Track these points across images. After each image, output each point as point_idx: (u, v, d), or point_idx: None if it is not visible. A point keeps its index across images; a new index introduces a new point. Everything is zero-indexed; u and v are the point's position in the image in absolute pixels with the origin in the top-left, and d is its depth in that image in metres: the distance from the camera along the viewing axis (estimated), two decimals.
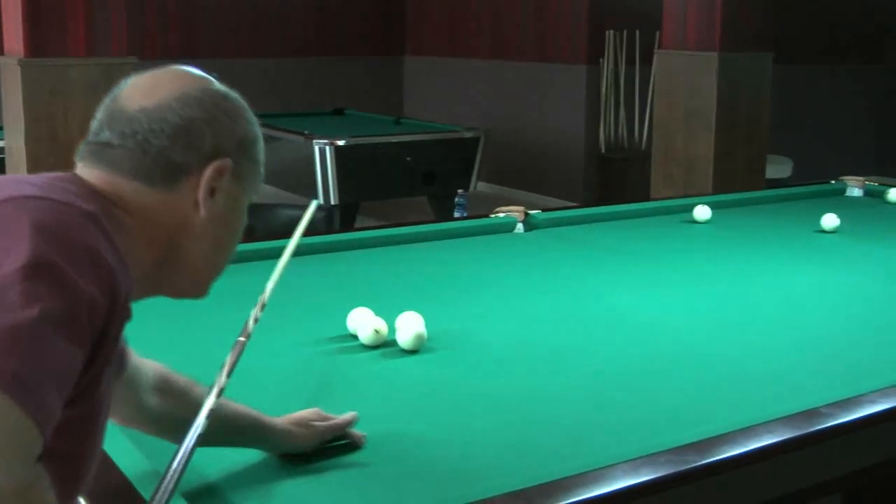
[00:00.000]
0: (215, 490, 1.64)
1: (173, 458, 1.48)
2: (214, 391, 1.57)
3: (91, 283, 1.19)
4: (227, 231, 1.50)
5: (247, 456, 1.77)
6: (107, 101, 1.42)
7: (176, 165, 1.38)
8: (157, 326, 2.43)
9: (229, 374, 1.61)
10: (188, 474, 1.52)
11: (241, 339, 1.67)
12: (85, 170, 1.38)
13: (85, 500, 1.43)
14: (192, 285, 1.52)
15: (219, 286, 2.87)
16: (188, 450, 1.49)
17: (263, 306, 1.64)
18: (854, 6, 10.21)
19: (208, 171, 1.41)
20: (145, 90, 1.42)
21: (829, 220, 3.70)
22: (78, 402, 1.22)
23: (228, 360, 1.63)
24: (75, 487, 1.32)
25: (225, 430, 1.68)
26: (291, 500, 1.64)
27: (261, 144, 1.56)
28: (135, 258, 1.34)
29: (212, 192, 1.42)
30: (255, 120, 1.56)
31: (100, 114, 1.41)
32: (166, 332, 2.43)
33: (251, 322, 1.67)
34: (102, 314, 1.21)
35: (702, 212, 3.87)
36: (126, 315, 1.30)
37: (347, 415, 1.85)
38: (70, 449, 1.27)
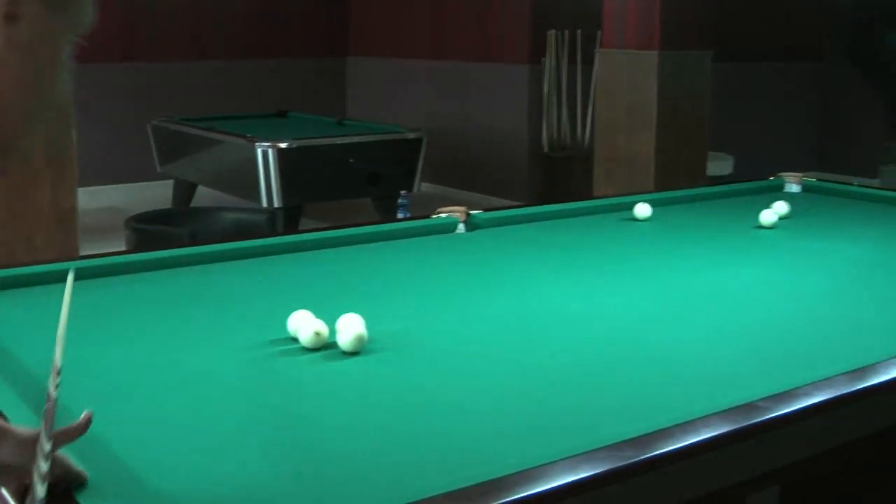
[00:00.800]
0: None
1: None
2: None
3: None
4: (36, 67, 1.33)
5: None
6: None
7: None
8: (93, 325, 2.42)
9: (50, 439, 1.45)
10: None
11: (49, 404, 1.46)
12: None
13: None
14: None
15: (157, 291, 2.87)
16: None
17: (59, 372, 1.48)
18: (794, 4, 10.31)
19: None
20: None
21: (768, 216, 3.75)
22: None
23: (44, 426, 1.45)
24: None
25: None
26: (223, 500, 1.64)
27: None
28: None
29: (11, 17, 1.27)
30: None
31: None
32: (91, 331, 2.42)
33: (52, 389, 1.46)
34: None
35: (642, 209, 3.89)
36: None
37: (81, 418, 1.56)
38: None
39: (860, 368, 2.20)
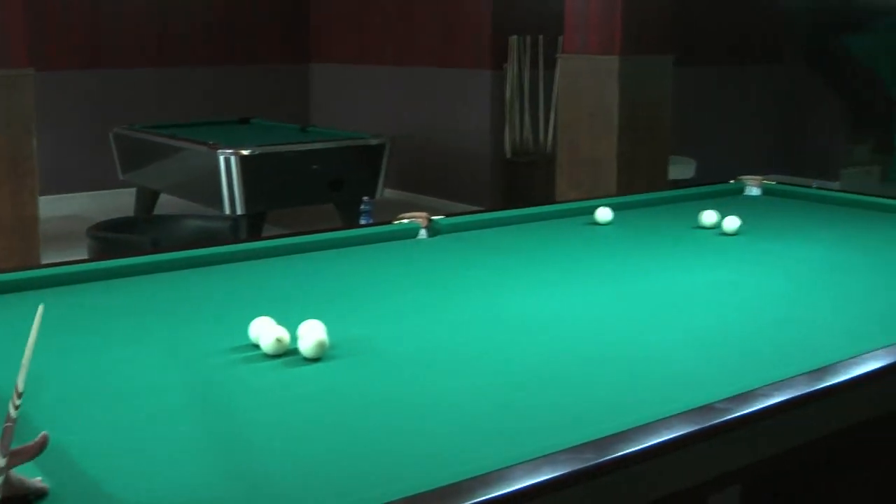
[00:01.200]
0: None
1: None
2: None
3: None
4: None
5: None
6: None
7: None
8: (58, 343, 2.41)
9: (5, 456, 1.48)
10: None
11: (8, 424, 1.49)
12: None
13: None
14: None
15: (120, 299, 2.86)
16: None
17: (20, 395, 1.50)
18: (752, 8, 10.38)
19: None
20: None
21: (709, 217, 3.80)
22: None
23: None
24: None
25: None
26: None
27: None
28: None
29: None
30: None
31: None
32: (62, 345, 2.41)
33: (12, 411, 1.50)
34: None
35: (604, 213, 3.91)
36: None
37: (37, 438, 1.57)
38: None
39: (819, 369, 2.22)
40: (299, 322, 2.40)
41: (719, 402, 2.00)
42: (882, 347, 2.33)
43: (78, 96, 9.85)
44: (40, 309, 1.50)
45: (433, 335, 2.59)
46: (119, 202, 9.19)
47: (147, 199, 8.59)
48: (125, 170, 8.62)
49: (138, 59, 10.21)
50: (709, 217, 3.81)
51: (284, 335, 2.35)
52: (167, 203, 8.52)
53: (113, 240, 5.00)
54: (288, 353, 2.34)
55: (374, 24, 10.55)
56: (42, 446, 1.56)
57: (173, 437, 1.91)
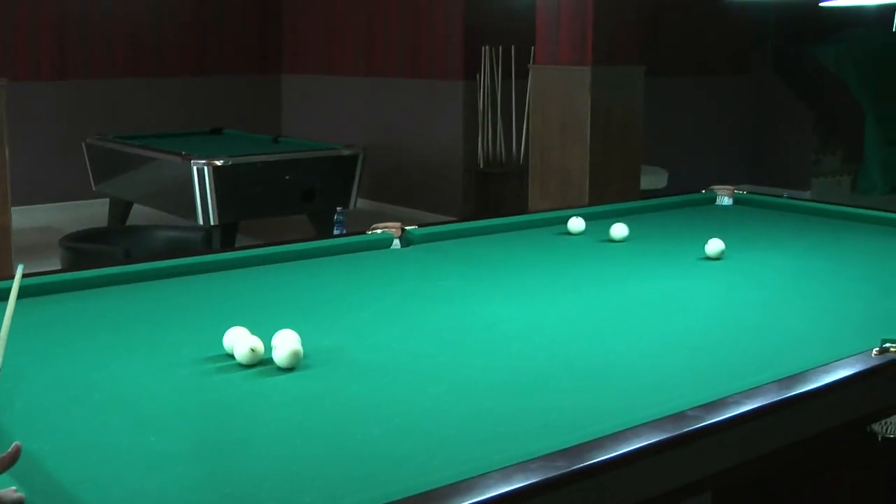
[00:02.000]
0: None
1: None
2: None
3: None
4: None
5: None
6: None
7: None
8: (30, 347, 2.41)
9: None
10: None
11: None
12: None
13: None
14: None
15: (93, 309, 2.86)
16: None
17: None
18: (721, 19, 10.45)
19: None
20: None
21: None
22: None
23: None
24: None
25: None
26: None
27: None
28: None
29: None
30: None
31: None
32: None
33: None
34: None
35: (576, 224, 3.93)
36: None
37: (10, 449, 1.56)
38: None
39: (789, 377, 2.24)
40: (273, 332, 2.41)
41: (690, 409, 2.02)
42: (852, 355, 2.36)
43: (50, 107, 9.83)
44: (19, 269, 1.47)
45: (406, 344, 2.60)
46: (92, 213, 9.16)
47: (120, 209, 8.57)
48: (98, 180, 8.60)
49: (110, 69, 10.19)
50: (618, 230, 3.82)
51: (259, 345, 2.36)
52: (140, 213, 8.50)
53: (86, 250, 4.99)
54: (262, 363, 2.35)
55: (346, 34, 10.57)
56: (15, 457, 1.55)
57: (148, 446, 1.91)
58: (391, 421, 2.06)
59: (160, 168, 7.54)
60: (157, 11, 10.38)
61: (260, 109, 11.15)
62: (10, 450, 1.55)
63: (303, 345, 2.36)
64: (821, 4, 4.46)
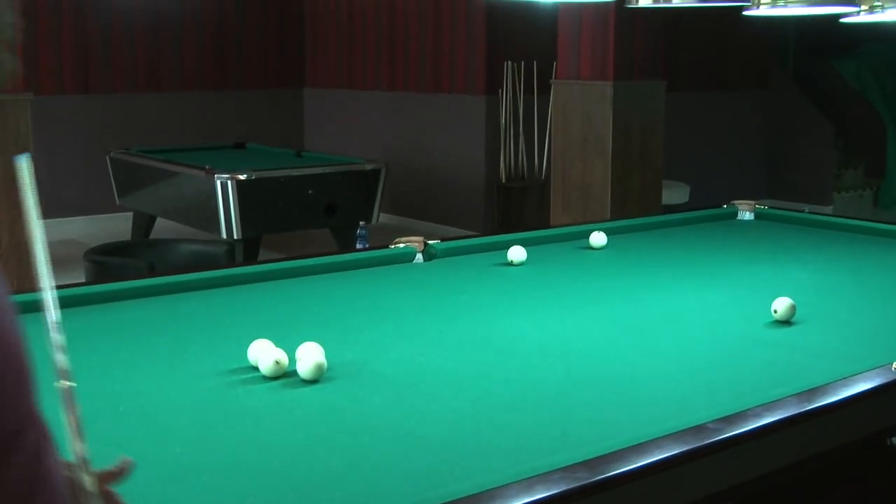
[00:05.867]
0: None
1: None
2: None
3: None
4: None
5: None
6: None
7: None
8: None
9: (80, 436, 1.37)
10: None
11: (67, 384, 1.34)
12: None
13: None
14: None
15: (117, 322, 2.88)
16: None
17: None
18: (741, 35, 10.45)
19: None
20: None
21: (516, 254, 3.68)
22: None
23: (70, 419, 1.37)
24: None
25: None
26: None
27: None
28: None
29: None
30: None
31: None
32: None
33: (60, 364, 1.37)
34: None
35: (598, 238, 3.94)
36: None
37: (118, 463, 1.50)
38: None
39: (809, 390, 2.26)
40: (297, 344, 2.43)
41: (711, 422, 2.03)
42: (870, 369, 2.37)
43: (75, 121, 9.89)
44: (25, 161, 1.33)
45: (428, 358, 2.62)
46: (115, 226, 9.21)
47: (143, 223, 8.62)
48: (122, 194, 8.65)
49: (133, 83, 10.25)
50: (515, 254, 3.72)
51: (283, 357, 2.39)
52: (163, 227, 8.55)
53: (110, 264, 5.02)
54: (286, 375, 2.38)
55: (369, 48, 10.61)
56: (124, 473, 1.51)
57: (175, 457, 1.94)
58: (413, 433, 2.08)
59: (183, 182, 7.59)
60: (179, 26, 10.44)
61: (282, 124, 11.19)
62: (119, 464, 1.50)
63: (327, 357, 2.39)
64: (841, 20, 4.46)
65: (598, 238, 3.95)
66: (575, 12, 6.51)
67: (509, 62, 9.23)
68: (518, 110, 9.27)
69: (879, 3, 4.16)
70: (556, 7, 6.67)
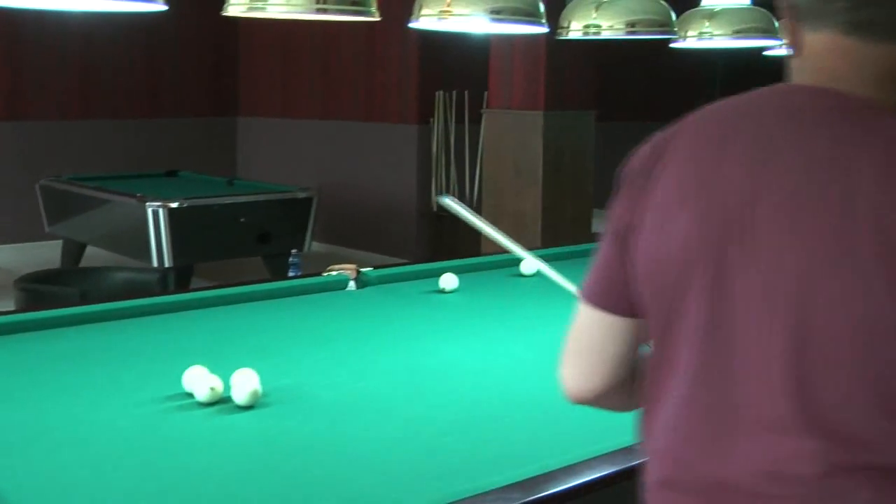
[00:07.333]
0: None
1: None
2: None
3: None
4: None
5: None
6: None
7: None
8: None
9: None
10: None
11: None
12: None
13: None
14: None
15: (49, 350, 2.87)
16: None
17: None
18: (671, 67, 10.60)
19: None
20: None
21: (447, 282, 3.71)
22: None
23: None
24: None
25: None
26: None
27: None
28: None
29: None
30: None
31: None
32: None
33: None
34: None
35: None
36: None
37: None
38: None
39: None
40: (232, 371, 2.44)
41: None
42: None
43: (3, 148, 9.80)
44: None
45: (362, 383, 2.64)
46: (44, 254, 9.12)
47: (74, 251, 8.54)
48: (52, 222, 8.58)
49: (65, 111, 10.17)
50: (447, 282, 3.73)
51: (218, 384, 2.40)
52: (93, 256, 8.48)
53: (42, 291, 4.99)
54: (222, 402, 2.39)
55: (302, 77, 10.62)
56: None
57: (110, 484, 1.95)
58: (349, 458, 2.10)
59: (115, 210, 7.54)
60: (112, 53, 10.37)
61: (215, 152, 11.16)
62: None
63: (261, 384, 2.40)
64: (764, 54, 4.57)
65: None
66: (506, 43, 6.57)
67: (441, 91, 9.30)
68: (450, 139, 9.33)
69: None
70: (488, 38, 6.73)
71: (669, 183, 1.37)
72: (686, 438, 1.34)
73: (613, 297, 1.48)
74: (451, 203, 1.87)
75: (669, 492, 1.36)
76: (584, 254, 4.47)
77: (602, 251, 1.49)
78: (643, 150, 1.44)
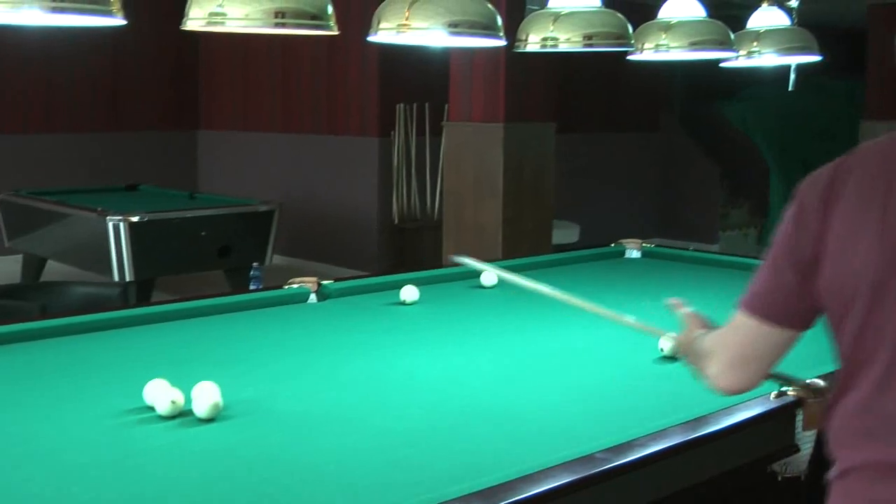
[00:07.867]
0: None
1: None
2: None
3: None
4: None
5: None
6: None
7: None
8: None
9: None
10: None
11: None
12: None
13: None
14: None
15: (9, 364, 2.86)
16: None
17: None
18: (631, 80, 10.68)
19: None
20: None
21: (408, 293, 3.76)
22: None
23: None
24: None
25: None
26: None
27: None
28: None
29: None
30: None
31: None
32: None
33: None
34: None
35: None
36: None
37: None
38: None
39: (693, 420, 2.34)
40: (193, 384, 2.45)
41: (599, 452, 2.10)
42: (750, 399, 2.45)
43: None
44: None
45: (324, 395, 2.66)
46: (4, 269, 9.07)
47: (34, 266, 8.51)
48: (11, 236, 8.54)
49: (23, 124, 10.12)
50: (408, 294, 3.77)
51: (179, 397, 2.41)
52: (54, 270, 8.44)
53: (2, 306, 4.97)
54: (183, 415, 2.39)
55: (262, 91, 10.62)
56: None
57: (70, 498, 1.95)
58: (311, 469, 2.11)
59: (75, 224, 7.51)
60: (72, 66, 10.33)
61: (176, 166, 11.13)
62: None
63: (222, 396, 2.41)
64: (720, 65, 4.62)
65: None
66: (466, 56, 6.60)
67: (402, 104, 9.32)
68: (411, 152, 9.35)
69: (756, 49, 4.32)
70: (447, 51, 6.76)
71: (846, 215, 1.60)
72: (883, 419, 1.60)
73: (791, 315, 1.73)
74: (467, 260, 2.09)
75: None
76: (545, 264, 4.51)
77: (778, 276, 1.71)
78: (819, 181, 1.65)
